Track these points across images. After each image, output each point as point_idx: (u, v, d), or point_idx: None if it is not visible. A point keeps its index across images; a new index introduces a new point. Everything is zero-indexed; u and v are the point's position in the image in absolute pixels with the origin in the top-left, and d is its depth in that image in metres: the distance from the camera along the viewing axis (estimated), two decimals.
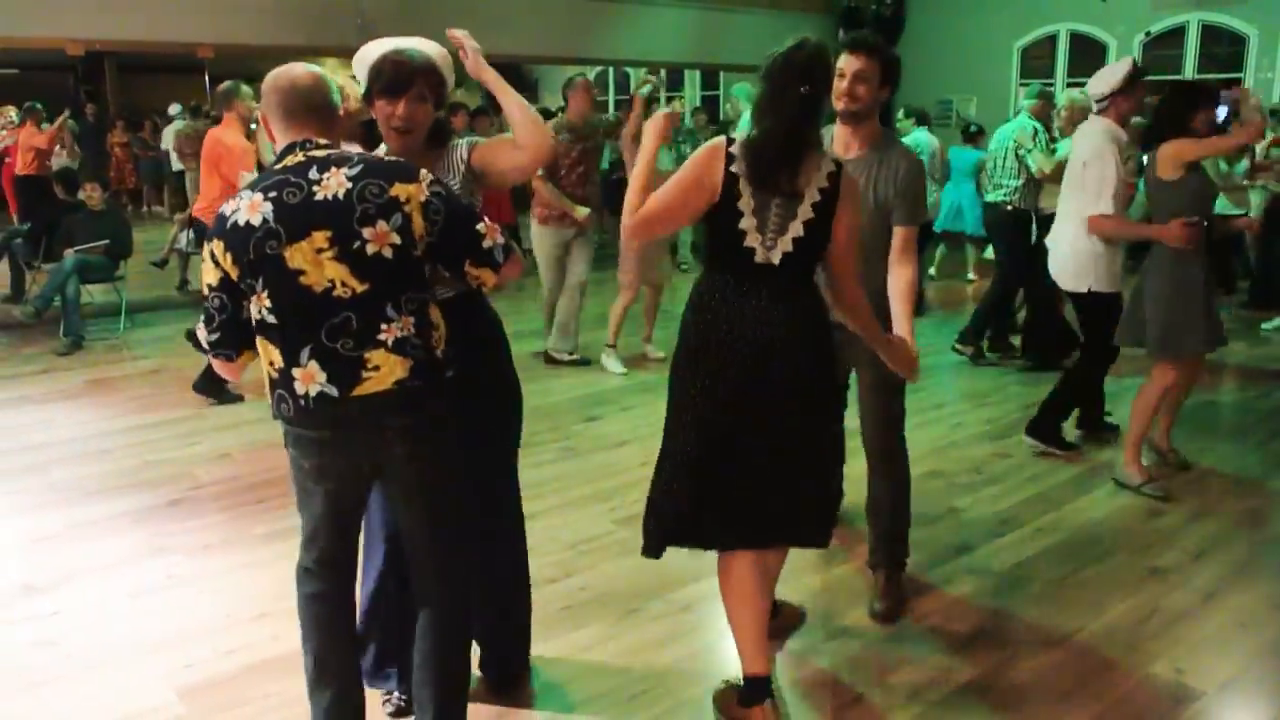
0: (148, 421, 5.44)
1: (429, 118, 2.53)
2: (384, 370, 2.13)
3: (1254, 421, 5.45)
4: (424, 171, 2.20)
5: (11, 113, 10.35)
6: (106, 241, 7.59)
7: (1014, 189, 6.46)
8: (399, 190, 2.13)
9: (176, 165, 13.02)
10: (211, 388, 5.75)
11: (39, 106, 10.27)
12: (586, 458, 4.89)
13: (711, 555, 3.64)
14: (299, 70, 2.25)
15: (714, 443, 2.51)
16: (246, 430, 5.25)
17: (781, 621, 3.21)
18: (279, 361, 2.15)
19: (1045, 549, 3.86)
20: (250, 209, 2.11)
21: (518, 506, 2.91)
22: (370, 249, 2.10)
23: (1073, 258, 4.49)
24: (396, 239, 2.12)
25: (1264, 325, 7.66)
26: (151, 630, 3.24)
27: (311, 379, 2.12)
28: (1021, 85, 12.91)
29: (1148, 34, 11.59)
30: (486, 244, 2.21)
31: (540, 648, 3.12)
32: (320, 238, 2.08)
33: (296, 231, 2.08)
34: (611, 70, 16.94)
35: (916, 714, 2.79)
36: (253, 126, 5.97)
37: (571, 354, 6.66)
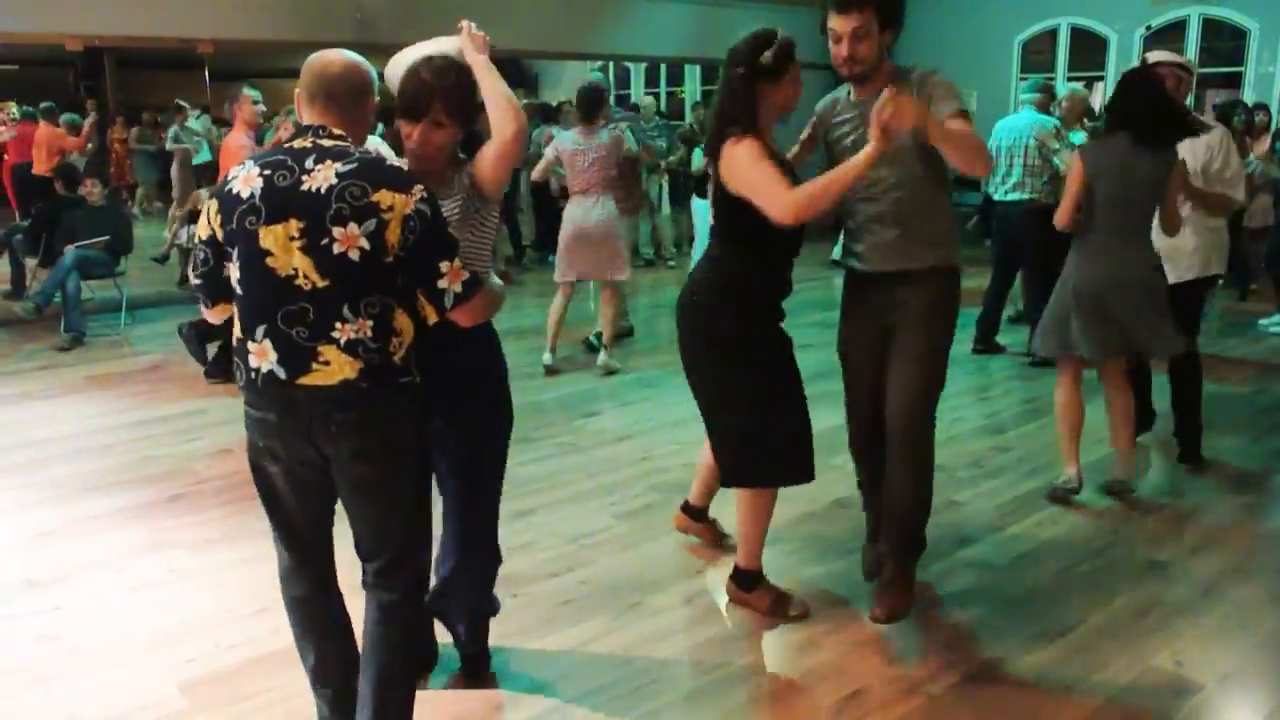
0: (148, 417, 5.45)
1: (448, 141, 2.49)
2: (333, 367, 2.14)
3: (1253, 416, 5.45)
4: (420, 187, 2.16)
5: (12, 109, 10.37)
6: (107, 237, 7.60)
7: (1042, 184, 6.42)
8: (383, 197, 2.10)
9: (205, 155, 12.58)
10: (221, 370, 5.93)
11: (54, 106, 10.28)
12: (587, 453, 4.89)
13: (707, 553, 3.66)
14: (333, 56, 2.26)
15: None
16: None
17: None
18: (238, 331, 2.20)
19: (1045, 542, 3.86)
20: (245, 181, 2.15)
21: (494, 526, 2.86)
22: (337, 248, 2.09)
23: (1200, 249, 4.47)
24: (365, 244, 2.10)
25: (1261, 321, 7.65)
26: (153, 625, 3.25)
27: (264, 356, 2.16)
28: (1021, 79, 12.90)
29: (1148, 28, 11.57)
30: (441, 284, 2.18)
31: (541, 642, 3.13)
32: (294, 225, 2.09)
33: (275, 214, 2.10)
34: (612, 65, 16.92)
35: (917, 706, 2.80)
36: (267, 130, 5.99)
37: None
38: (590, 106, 6.21)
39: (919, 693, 2.86)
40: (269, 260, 2.11)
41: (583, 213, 6.15)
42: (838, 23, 2.91)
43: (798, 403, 3.17)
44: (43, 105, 10.37)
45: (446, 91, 2.44)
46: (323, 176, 2.11)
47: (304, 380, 2.15)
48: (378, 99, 2.33)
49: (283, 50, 13.84)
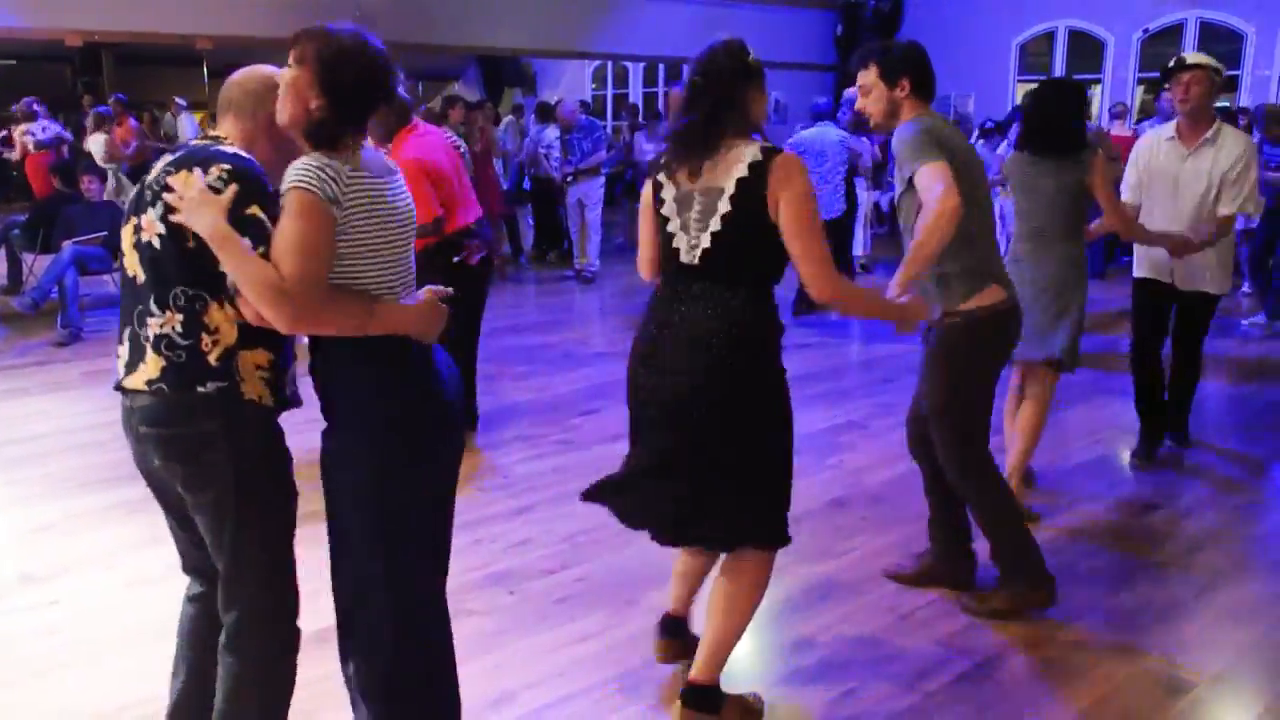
0: None
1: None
2: (145, 365, 2.00)
3: (1247, 418, 5.47)
4: (222, 166, 1.96)
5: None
6: (105, 233, 7.60)
7: None
8: (177, 180, 1.96)
9: None
10: None
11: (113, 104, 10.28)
12: (585, 450, 4.90)
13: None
14: (243, 69, 2.16)
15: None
16: None
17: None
18: None
19: (1040, 541, 3.85)
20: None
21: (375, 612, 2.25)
22: (144, 236, 2.00)
23: (1220, 263, 4.40)
24: (160, 229, 1.97)
25: (1243, 322, 7.66)
26: (150, 619, 3.24)
27: (120, 360, 2.08)
28: (1020, 82, 12.92)
29: (1146, 31, 11.60)
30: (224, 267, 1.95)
31: (537, 638, 3.14)
32: (132, 221, 2.04)
33: (129, 212, 2.07)
34: (611, 65, 16.93)
35: (912, 704, 2.81)
36: None
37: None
38: None
39: (915, 690, 2.87)
40: (125, 259, 2.06)
41: None
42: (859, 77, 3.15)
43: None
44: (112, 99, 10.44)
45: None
46: (157, 170, 2.04)
47: (123, 383, 2.04)
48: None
49: (281, 47, 13.87)
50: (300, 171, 1.94)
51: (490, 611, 3.30)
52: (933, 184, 2.80)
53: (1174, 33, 11.43)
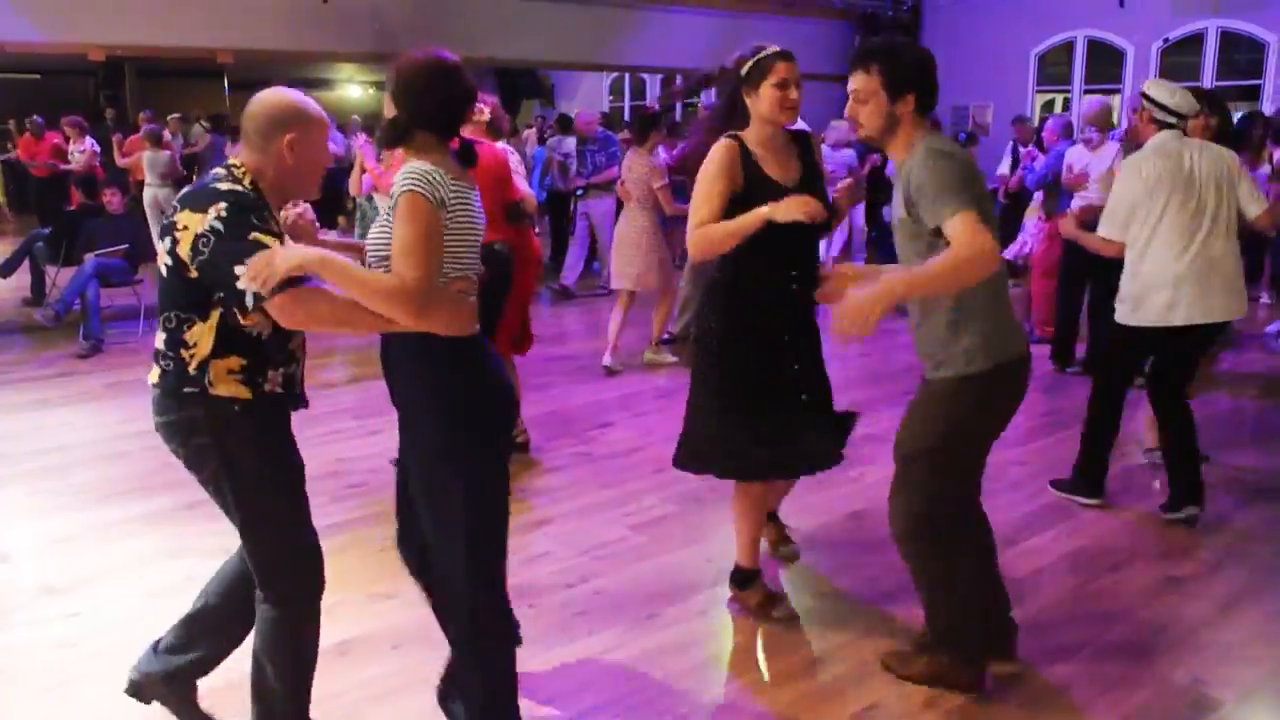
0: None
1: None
2: (154, 369, 2.38)
3: (1271, 431, 5.41)
4: (221, 205, 2.21)
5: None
6: (126, 245, 7.66)
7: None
8: (181, 217, 2.24)
9: None
10: None
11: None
12: (601, 463, 4.89)
13: (723, 565, 3.65)
14: (259, 96, 2.36)
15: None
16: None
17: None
18: None
19: (1061, 557, 3.84)
20: None
21: (460, 576, 2.41)
22: (159, 261, 2.32)
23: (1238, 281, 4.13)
24: (169, 260, 2.26)
25: (1268, 330, 7.58)
26: None
27: None
28: (1038, 92, 12.88)
29: (1166, 40, 11.54)
30: (240, 285, 2.16)
31: (556, 653, 3.13)
32: (161, 247, 2.33)
33: (159, 237, 2.37)
34: (628, 76, 16.97)
35: None
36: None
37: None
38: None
39: (934, 708, 2.84)
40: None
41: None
42: (850, 80, 2.75)
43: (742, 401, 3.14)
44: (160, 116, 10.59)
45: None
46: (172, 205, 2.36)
47: (148, 379, 2.41)
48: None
49: (302, 60, 13.97)
50: (412, 176, 2.20)
51: None
52: (970, 234, 2.43)
53: (1194, 42, 11.36)
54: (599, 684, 2.97)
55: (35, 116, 11.50)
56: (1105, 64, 12.09)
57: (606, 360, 6.64)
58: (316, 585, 2.51)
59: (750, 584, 3.40)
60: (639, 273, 6.62)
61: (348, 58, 13.78)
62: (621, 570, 3.72)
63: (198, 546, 3.92)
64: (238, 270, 2.16)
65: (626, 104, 17.14)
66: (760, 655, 3.19)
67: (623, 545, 3.94)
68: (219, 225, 2.19)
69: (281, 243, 2.23)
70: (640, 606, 3.43)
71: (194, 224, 2.21)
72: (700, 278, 3.25)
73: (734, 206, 2.99)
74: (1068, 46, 12.52)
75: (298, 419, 2.47)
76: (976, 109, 12.97)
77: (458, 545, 2.34)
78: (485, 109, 4.47)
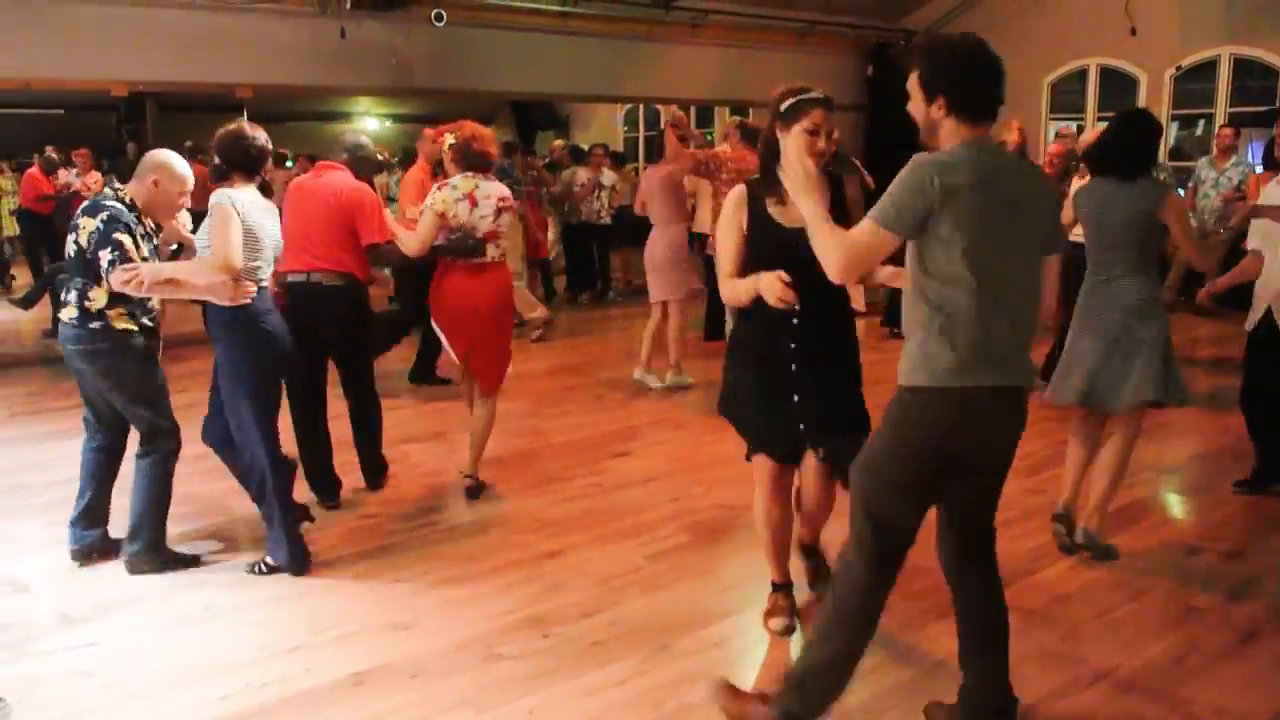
0: (182, 455, 5.49)
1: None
2: (67, 309, 3.85)
3: None
4: (103, 214, 3.71)
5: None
6: None
7: None
8: (83, 220, 3.75)
9: None
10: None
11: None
12: (616, 493, 4.89)
13: (738, 595, 3.63)
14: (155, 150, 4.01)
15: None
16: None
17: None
18: None
19: (1080, 586, 3.81)
20: None
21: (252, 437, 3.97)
22: (68, 246, 3.82)
23: None
24: (74, 247, 3.79)
25: None
26: (187, 662, 3.27)
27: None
28: (1052, 120, 12.90)
29: (1179, 68, 11.55)
30: (101, 265, 3.66)
31: (571, 683, 3.12)
32: (73, 235, 3.82)
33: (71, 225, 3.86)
34: (642, 108, 17.09)
35: None
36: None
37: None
38: None
39: None
40: (67, 249, 3.87)
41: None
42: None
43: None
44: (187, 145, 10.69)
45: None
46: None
47: (59, 315, 4.00)
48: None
49: (320, 94, 14.13)
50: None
51: (525, 655, 3.29)
52: (850, 245, 2.45)
53: (1207, 70, 11.37)
54: (613, 715, 2.96)
55: (49, 150, 11.66)
56: (1118, 91, 12.10)
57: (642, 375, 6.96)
58: (176, 447, 4.09)
59: (774, 590, 3.51)
60: (670, 287, 6.86)
61: (364, 92, 13.93)
62: (636, 600, 3.71)
63: (214, 577, 3.94)
64: (101, 255, 3.64)
65: (641, 134, 17.25)
66: (774, 687, 3.17)
67: (637, 575, 3.93)
68: (101, 226, 3.69)
69: (136, 241, 3.72)
70: (655, 637, 3.42)
71: (89, 225, 3.72)
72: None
73: (748, 247, 3.22)
74: (1081, 74, 12.54)
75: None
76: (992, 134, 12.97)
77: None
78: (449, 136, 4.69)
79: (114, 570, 4.01)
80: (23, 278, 12.99)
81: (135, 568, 3.97)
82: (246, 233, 3.77)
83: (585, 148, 11.84)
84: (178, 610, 3.65)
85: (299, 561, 3.94)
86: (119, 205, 3.76)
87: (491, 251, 4.61)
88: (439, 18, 9.57)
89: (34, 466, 5.36)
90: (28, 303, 8.66)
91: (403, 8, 9.45)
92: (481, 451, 4.86)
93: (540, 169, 9.81)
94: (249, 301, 3.75)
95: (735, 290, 3.17)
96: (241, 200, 3.79)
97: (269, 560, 3.96)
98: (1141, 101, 11.78)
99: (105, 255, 3.62)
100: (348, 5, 9.20)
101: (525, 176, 9.55)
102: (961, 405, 2.49)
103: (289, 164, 11.38)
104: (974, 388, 2.48)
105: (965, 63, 2.48)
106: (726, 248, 3.24)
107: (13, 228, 15.97)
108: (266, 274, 3.96)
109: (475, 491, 4.82)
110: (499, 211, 4.60)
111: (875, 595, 2.66)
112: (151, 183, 3.82)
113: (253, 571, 3.95)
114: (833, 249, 2.49)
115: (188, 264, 3.85)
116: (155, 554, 3.99)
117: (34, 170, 11.60)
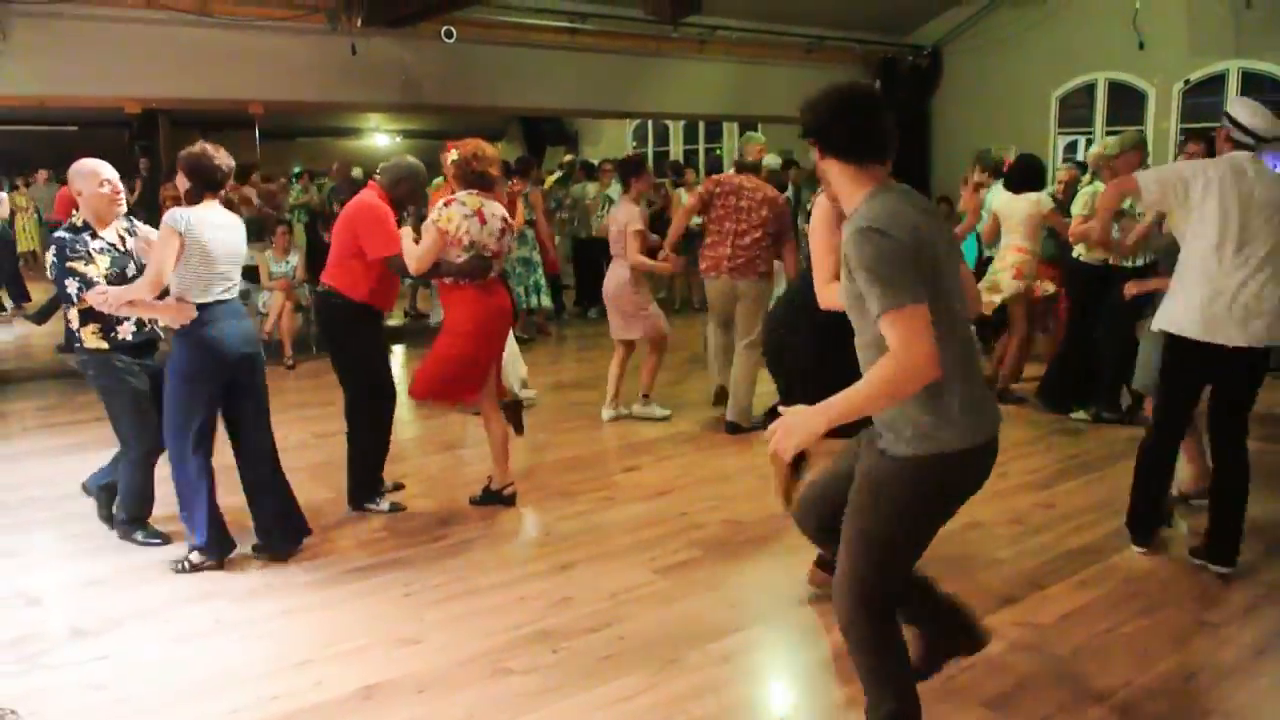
0: None
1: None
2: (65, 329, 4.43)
3: None
4: (54, 249, 4.09)
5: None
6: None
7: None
8: (47, 253, 4.19)
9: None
10: None
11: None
12: (625, 508, 4.90)
13: (747, 610, 3.63)
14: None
15: None
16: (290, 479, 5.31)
17: None
18: None
19: (1090, 601, 3.80)
20: None
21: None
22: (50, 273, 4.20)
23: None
24: (52, 274, 4.16)
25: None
26: (197, 675, 3.28)
27: None
28: (1060, 134, 12.91)
29: (1187, 82, 11.55)
30: (71, 295, 4.11)
31: (580, 697, 3.13)
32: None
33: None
34: (650, 124, 17.15)
35: None
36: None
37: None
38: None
39: None
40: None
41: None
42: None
43: None
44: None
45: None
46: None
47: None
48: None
49: (331, 111, 14.21)
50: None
51: (533, 670, 3.30)
52: (905, 341, 2.22)
53: (1216, 83, 11.36)
54: None
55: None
56: (1126, 105, 12.10)
57: (605, 412, 6.53)
58: (155, 455, 4.35)
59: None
60: (621, 324, 6.41)
61: (375, 108, 14.02)
62: (645, 614, 3.71)
63: (225, 590, 3.95)
64: (68, 284, 4.06)
65: (651, 149, 17.31)
66: (785, 701, 3.17)
67: (647, 590, 3.94)
68: (55, 260, 4.09)
69: (92, 259, 4.10)
70: (664, 651, 3.42)
71: (49, 259, 4.13)
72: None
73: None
74: (1089, 88, 12.55)
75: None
76: (998, 152, 12.97)
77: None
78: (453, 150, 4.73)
79: (125, 583, 4.03)
80: (38, 293, 13.06)
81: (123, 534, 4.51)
82: (198, 249, 3.93)
83: (595, 162, 11.89)
84: (188, 623, 3.67)
85: (219, 548, 4.18)
86: (64, 235, 4.11)
87: (495, 269, 4.67)
88: (449, 34, 9.66)
89: (47, 480, 5.40)
90: (41, 317, 8.76)
91: (413, 25, 9.51)
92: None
93: (533, 192, 9.59)
94: (191, 319, 3.98)
95: (834, 295, 3.00)
96: (195, 218, 3.94)
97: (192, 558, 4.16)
98: (1150, 115, 11.80)
99: (71, 286, 4.05)
100: (359, 22, 9.26)
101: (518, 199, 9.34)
102: (962, 466, 2.47)
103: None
104: (975, 446, 2.45)
105: (850, 112, 2.40)
106: (826, 251, 3.26)
107: (32, 242, 16.10)
108: (225, 286, 4.08)
109: (513, 498, 4.95)
110: (502, 232, 4.65)
111: (895, 637, 2.65)
112: (77, 194, 4.18)
113: (179, 569, 4.11)
114: (904, 362, 2.22)
115: (137, 285, 4.03)
116: (129, 529, 4.50)
117: (66, 189, 11.69)
